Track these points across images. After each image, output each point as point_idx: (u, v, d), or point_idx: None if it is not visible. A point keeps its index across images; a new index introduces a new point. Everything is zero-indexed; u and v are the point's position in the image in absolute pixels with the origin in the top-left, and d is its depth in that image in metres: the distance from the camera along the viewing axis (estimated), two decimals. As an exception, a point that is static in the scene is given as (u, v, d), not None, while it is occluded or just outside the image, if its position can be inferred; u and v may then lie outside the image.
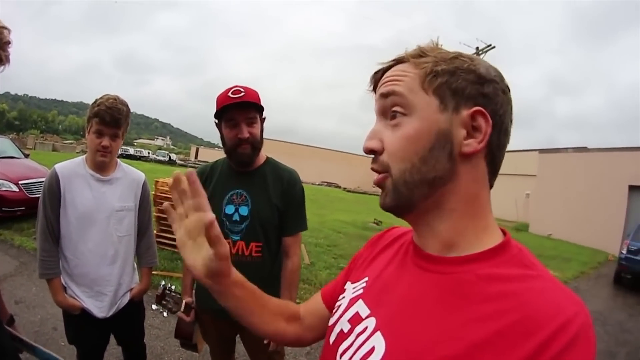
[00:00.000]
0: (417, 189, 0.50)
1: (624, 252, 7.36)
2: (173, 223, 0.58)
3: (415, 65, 0.52)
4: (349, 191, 31.22)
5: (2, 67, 0.90)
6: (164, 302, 1.58)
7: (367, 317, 0.55)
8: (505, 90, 0.52)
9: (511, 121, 0.52)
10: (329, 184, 38.38)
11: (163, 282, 1.63)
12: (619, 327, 4.81)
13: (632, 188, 12.34)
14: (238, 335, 1.72)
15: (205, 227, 0.52)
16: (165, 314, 1.60)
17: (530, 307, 0.43)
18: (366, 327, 0.54)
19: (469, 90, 0.49)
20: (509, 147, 0.54)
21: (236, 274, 0.63)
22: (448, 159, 0.49)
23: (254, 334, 1.65)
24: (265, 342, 1.49)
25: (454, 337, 0.44)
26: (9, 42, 0.89)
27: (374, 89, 0.57)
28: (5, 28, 0.88)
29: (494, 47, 16.96)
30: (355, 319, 0.57)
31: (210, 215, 0.52)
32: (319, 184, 34.69)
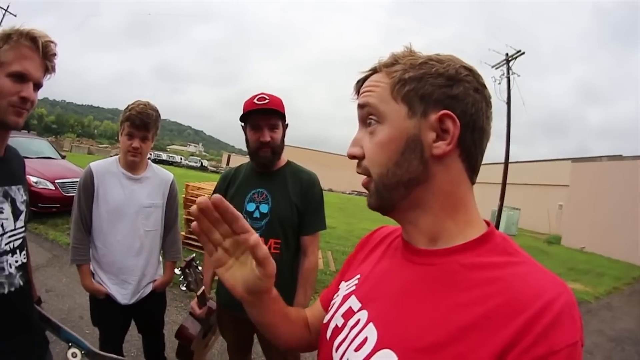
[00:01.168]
0: (395, 190, 0.54)
1: (662, 267, 6.98)
2: (205, 244, 0.55)
3: (387, 75, 0.54)
4: (378, 200, 30.81)
5: (48, 76, 1.03)
6: (187, 271, 1.55)
7: (359, 311, 0.58)
8: (479, 89, 0.53)
9: (487, 118, 0.54)
10: (359, 193, 38.11)
11: (194, 255, 1.63)
12: (654, 348, 4.52)
13: (672, 199, 11.68)
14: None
15: (252, 249, 0.53)
16: (182, 287, 1.58)
17: (513, 290, 0.45)
18: (359, 320, 0.56)
19: (436, 95, 0.51)
20: (540, 157, 0.54)
21: (275, 290, 0.62)
22: (420, 162, 0.52)
23: None
24: None
25: (442, 323, 0.46)
26: (55, 54, 1.01)
27: (358, 97, 0.60)
28: (52, 42, 1.00)
29: (523, 53, 16.51)
30: (348, 314, 0.60)
31: (255, 237, 0.53)
32: (349, 193, 34.58)
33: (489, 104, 0.54)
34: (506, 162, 15.63)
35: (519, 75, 16.43)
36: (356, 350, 0.53)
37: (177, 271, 1.60)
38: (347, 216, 12.59)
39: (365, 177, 0.57)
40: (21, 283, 1.06)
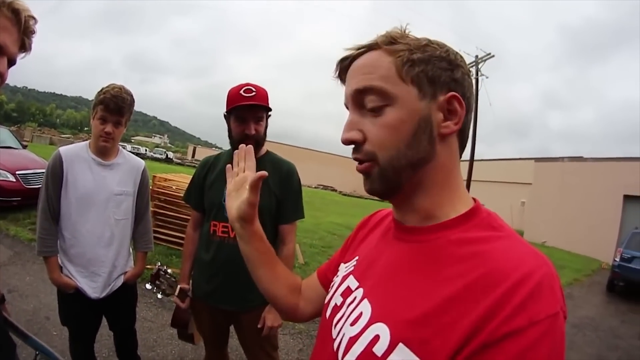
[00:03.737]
0: (404, 172, 0.54)
1: (617, 260, 7.45)
2: (229, 178, 0.79)
3: (389, 53, 0.53)
4: (344, 195, 31.22)
5: (24, 54, 0.95)
6: (157, 282, 1.61)
7: (356, 289, 0.61)
8: (469, 74, 0.57)
9: (474, 101, 0.58)
10: (325, 187, 38.22)
11: (159, 263, 1.65)
12: (611, 333, 4.86)
13: (627, 197, 12.48)
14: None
15: (254, 179, 0.70)
16: (159, 295, 1.63)
17: (493, 262, 0.46)
18: (355, 297, 0.59)
19: (443, 78, 0.53)
20: (505, 156, 0.58)
21: (259, 227, 0.76)
22: (429, 141, 0.53)
23: (248, 324, 1.66)
24: (259, 326, 1.56)
25: (429, 296, 0.48)
26: (34, 32, 0.94)
27: (341, 76, 0.59)
28: (34, 18, 0.93)
29: (492, 55, 17.04)
30: (346, 293, 0.63)
31: (257, 175, 0.70)
32: (315, 187, 34.50)
33: (473, 89, 0.58)
34: (471, 160, 16.15)
35: (487, 77, 16.95)
36: (352, 324, 0.55)
37: (147, 286, 1.63)
38: (314, 210, 12.57)
39: (365, 163, 0.55)
40: None
